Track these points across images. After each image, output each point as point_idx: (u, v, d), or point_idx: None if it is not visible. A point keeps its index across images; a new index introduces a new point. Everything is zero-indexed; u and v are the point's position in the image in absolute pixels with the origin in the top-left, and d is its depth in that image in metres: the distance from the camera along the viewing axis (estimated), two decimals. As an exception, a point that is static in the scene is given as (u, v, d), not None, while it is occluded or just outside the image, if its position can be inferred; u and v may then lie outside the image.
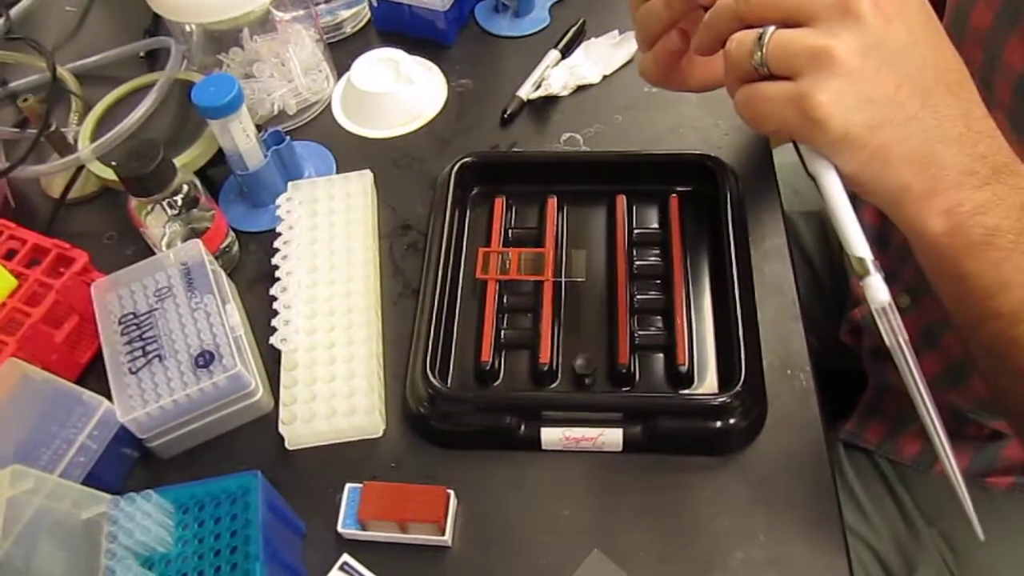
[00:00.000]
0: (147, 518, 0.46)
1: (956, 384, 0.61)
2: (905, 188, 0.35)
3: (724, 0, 0.38)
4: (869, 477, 0.70)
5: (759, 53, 0.36)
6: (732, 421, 0.52)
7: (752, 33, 0.36)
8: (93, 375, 0.61)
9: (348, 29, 0.82)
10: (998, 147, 0.36)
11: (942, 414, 0.63)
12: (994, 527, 0.65)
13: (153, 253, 0.63)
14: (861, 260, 0.35)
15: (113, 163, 0.57)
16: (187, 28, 0.73)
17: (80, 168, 0.69)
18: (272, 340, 0.58)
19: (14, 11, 0.80)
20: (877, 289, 0.35)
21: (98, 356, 0.61)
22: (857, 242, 0.35)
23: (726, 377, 0.55)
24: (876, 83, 0.34)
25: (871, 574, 0.65)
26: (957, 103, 0.35)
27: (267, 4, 0.67)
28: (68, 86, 0.76)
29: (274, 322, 0.59)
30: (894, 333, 0.36)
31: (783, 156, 0.67)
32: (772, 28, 0.36)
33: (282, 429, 0.55)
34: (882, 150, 0.35)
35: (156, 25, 0.83)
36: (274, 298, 0.60)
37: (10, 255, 0.60)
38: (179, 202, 0.60)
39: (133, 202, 0.60)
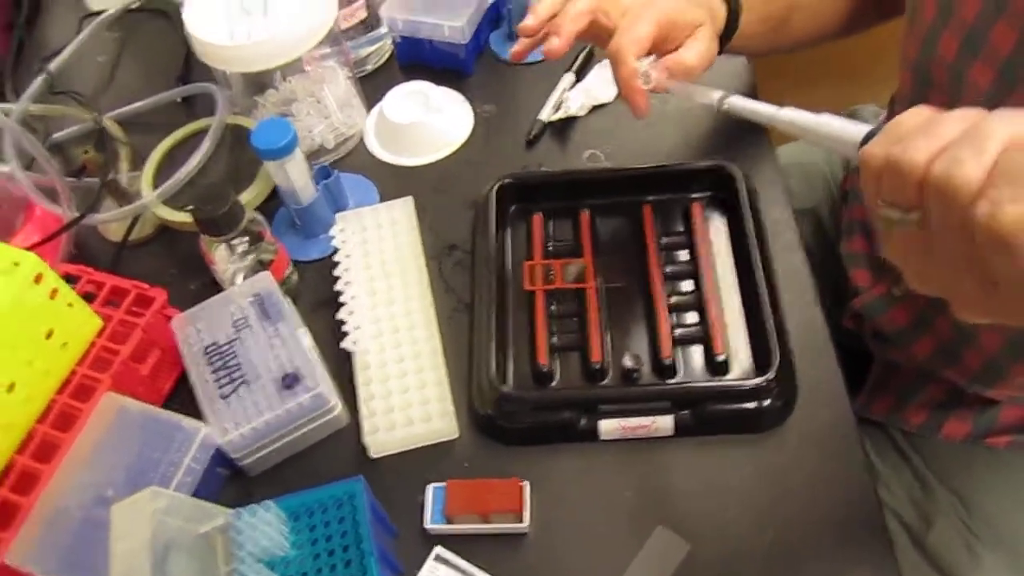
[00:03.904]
0: (268, 526, 0.51)
1: (950, 363, 0.68)
2: None
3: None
4: (883, 446, 0.77)
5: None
6: (769, 401, 0.59)
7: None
8: (175, 401, 0.66)
9: (370, 66, 0.87)
10: None
11: (940, 389, 0.70)
12: (999, 480, 0.72)
13: (215, 286, 0.68)
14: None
15: (190, 207, 0.62)
16: (227, 73, 0.77)
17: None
18: (344, 344, 0.64)
19: (52, 65, 0.84)
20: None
21: (178, 384, 0.66)
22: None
23: (759, 362, 0.62)
24: None
25: (895, 534, 0.72)
26: None
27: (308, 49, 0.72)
28: (114, 134, 0.80)
29: (343, 344, 0.64)
30: None
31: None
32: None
33: (366, 439, 0.61)
34: None
35: (187, 70, 0.87)
36: (342, 321, 0.65)
37: (89, 297, 0.65)
38: (247, 238, 0.65)
39: (204, 241, 0.65)
